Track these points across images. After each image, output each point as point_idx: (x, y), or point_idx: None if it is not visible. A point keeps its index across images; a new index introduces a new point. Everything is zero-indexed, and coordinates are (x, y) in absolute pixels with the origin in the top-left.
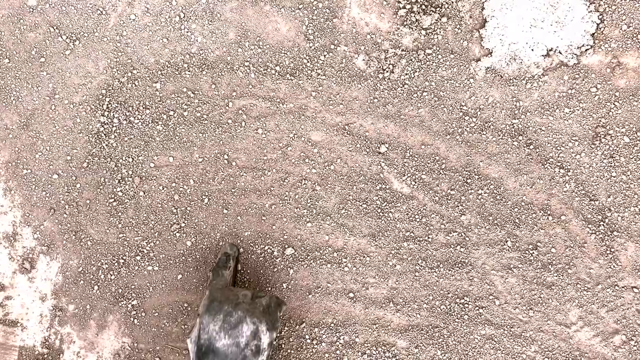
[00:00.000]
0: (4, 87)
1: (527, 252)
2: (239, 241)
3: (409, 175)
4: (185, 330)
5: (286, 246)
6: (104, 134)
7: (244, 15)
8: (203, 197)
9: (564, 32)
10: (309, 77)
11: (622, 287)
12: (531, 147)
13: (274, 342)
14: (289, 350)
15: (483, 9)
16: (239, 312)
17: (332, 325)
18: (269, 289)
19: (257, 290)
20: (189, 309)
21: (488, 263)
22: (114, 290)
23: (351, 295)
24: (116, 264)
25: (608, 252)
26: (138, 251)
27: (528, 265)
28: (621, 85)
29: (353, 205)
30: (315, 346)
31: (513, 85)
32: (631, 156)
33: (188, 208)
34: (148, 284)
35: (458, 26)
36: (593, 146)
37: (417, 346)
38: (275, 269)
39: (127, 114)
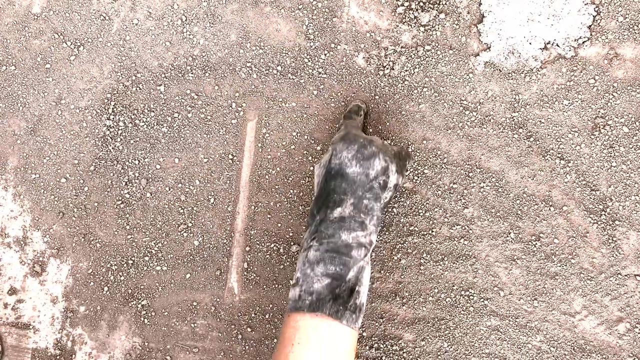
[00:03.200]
0: (10, 94)
1: (530, 243)
2: (245, 239)
3: (411, 170)
4: (194, 329)
5: (292, 243)
6: (110, 138)
7: (245, 17)
8: (209, 197)
9: (561, 25)
10: (311, 76)
11: (625, 276)
12: (531, 139)
13: (399, 187)
14: None
15: (480, 4)
16: (373, 147)
17: None
18: (277, 285)
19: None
20: (198, 307)
21: (492, 255)
22: (124, 291)
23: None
24: (125, 265)
25: (610, 241)
26: (146, 252)
27: (531, 256)
28: (619, 76)
29: None
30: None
31: (512, 78)
32: (631, 146)
33: (195, 208)
34: (157, 284)
35: (456, 22)
36: (593, 137)
37: (424, 339)
38: (282, 266)
39: (133, 117)
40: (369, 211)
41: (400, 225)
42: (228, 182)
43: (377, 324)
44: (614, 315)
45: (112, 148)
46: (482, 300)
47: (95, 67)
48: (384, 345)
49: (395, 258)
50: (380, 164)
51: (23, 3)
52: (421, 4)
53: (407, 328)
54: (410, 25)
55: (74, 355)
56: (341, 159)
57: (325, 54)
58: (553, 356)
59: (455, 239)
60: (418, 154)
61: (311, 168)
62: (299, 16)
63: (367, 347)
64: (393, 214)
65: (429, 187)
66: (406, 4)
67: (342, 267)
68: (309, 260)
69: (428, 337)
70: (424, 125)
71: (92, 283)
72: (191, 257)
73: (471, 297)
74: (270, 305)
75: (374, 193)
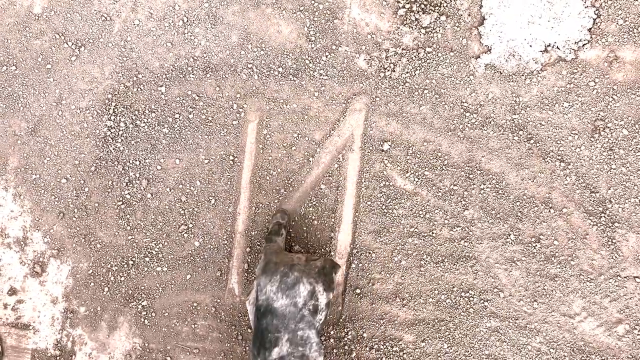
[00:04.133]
0: (11, 94)
1: (530, 245)
2: (246, 240)
3: (412, 172)
4: (195, 330)
5: (292, 244)
6: (111, 138)
7: (246, 18)
8: (210, 198)
9: (561, 27)
10: (312, 78)
11: (625, 277)
12: (532, 141)
13: (331, 304)
14: None
15: (481, 6)
16: (295, 272)
17: (340, 321)
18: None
19: (309, 254)
20: (199, 308)
21: (492, 256)
22: (124, 292)
23: (357, 291)
24: (126, 266)
25: (610, 243)
26: (147, 252)
27: (531, 257)
28: (619, 79)
29: (357, 202)
30: (323, 342)
31: (512, 81)
32: (630, 148)
33: (195, 209)
34: (157, 285)
35: (457, 24)
36: (592, 139)
37: (424, 340)
38: None
39: (134, 117)
40: (305, 342)
41: (401, 226)
42: (229, 183)
43: (377, 325)
44: (614, 317)
45: (113, 149)
46: (482, 301)
47: (97, 68)
48: (384, 347)
49: (396, 259)
50: (306, 289)
51: (24, 3)
52: (422, 6)
53: (407, 329)
54: (412, 28)
55: (74, 356)
56: (267, 293)
57: (326, 56)
58: (553, 357)
59: (456, 240)
60: (419, 156)
61: (311, 168)
62: (301, 18)
63: (368, 349)
64: (394, 215)
65: (429, 188)
66: (407, 6)
67: None
68: None
69: (428, 338)
70: (424, 127)
71: (92, 284)
72: (192, 258)
73: (471, 299)
74: None
75: (307, 321)
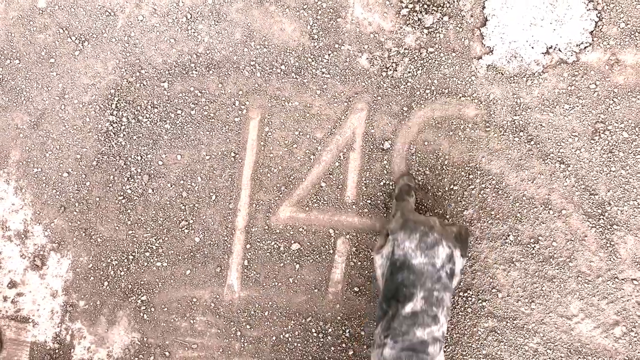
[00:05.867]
0: (14, 87)
1: (528, 245)
2: (246, 237)
3: (412, 171)
4: (193, 325)
5: (292, 242)
6: (113, 133)
7: (250, 15)
8: (211, 194)
9: (563, 30)
10: (314, 76)
11: (622, 280)
12: (532, 143)
13: (462, 272)
14: (294, 344)
15: (484, 7)
16: (435, 234)
17: (338, 318)
18: (276, 283)
19: (441, 218)
20: (198, 304)
21: (490, 257)
22: (124, 286)
23: (356, 289)
24: (126, 261)
25: (608, 245)
26: (147, 247)
27: (530, 258)
28: (620, 82)
29: (358, 201)
30: (322, 339)
31: (514, 82)
32: (630, 151)
33: (196, 205)
34: (157, 280)
35: (459, 25)
36: (593, 142)
37: None
38: (282, 264)
39: (136, 113)
40: (440, 303)
41: None
42: (230, 179)
43: (375, 323)
44: (611, 319)
45: (115, 143)
46: (480, 301)
47: (100, 63)
48: None
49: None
50: (444, 252)
51: None
52: (425, 6)
53: None
54: (414, 28)
55: (72, 350)
56: (405, 249)
57: (329, 54)
58: (549, 358)
59: None
60: (419, 155)
61: (312, 166)
62: (304, 16)
63: (365, 347)
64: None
65: (429, 188)
66: (410, 6)
67: None
68: (384, 359)
69: None
70: (425, 127)
71: (92, 278)
72: (192, 253)
73: (469, 298)
74: (270, 303)
75: (443, 283)
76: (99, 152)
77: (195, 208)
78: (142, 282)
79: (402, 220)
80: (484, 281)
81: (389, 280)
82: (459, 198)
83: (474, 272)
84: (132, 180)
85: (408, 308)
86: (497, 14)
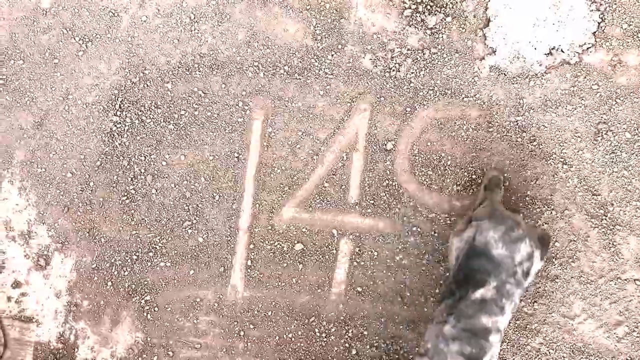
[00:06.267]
0: (18, 88)
1: None
2: (250, 237)
3: (415, 171)
4: (197, 325)
5: (295, 242)
6: (117, 134)
7: (253, 16)
8: (214, 194)
9: (566, 30)
10: (317, 77)
11: (625, 280)
12: (534, 143)
13: (537, 274)
14: (298, 343)
15: (487, 8)
16: (521, 230)
17: (341, 318)
18: (280, 283)
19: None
20: (201, 304)
21: None
22: (127, 286)
23: (359, 289)
24: (129, 261)
25: (610, 245)
26: (151, 248)
27: None
28: (622, 83)
29: (361, 201)
30: (325, 339)
31: (516, 83)
32: (632, 152)
33: (200, 205)
34: (160, 280)
35: (462, 26)
36: (595, 142)
37: None
38: (285, 264)
39: (139, 113)
40: (510, 296)
41: (403, 225)
42: (233, 180)
43: (378, 323)
44: (613, 319)
45: (119, 144)
46: None
47: (103, 63)
48: (385, 344)
49: (397, 258)
50: (526, 249)
51: None
52: (428, 7)
53: (408, 327)
54: (417, 28)
55: (76, 349)
56: (487, 238)
57: (332, 55)
58: (552, 358)
59: None
60: (422, 155)
61: (315, 167)
62: (307, 17)
63: (368, 346)
64: (396, 214)
65: (432, 188)
66: (413, 6)
67: (479, 350)
68: (443, 335)
69: None
70: (428, 128)
71: (95, 278)
72: (195, 253)
73: None
74: (273, 304)
75: (517, 279)
76: (103, 152)
77: (199, 208)
78: (145, 282)
79: (491, 209)
80: None
81: (463, 263)
82: (462, 198)
83: None
84: (136, 180)
85: (478, 294)
86: (500, 14)
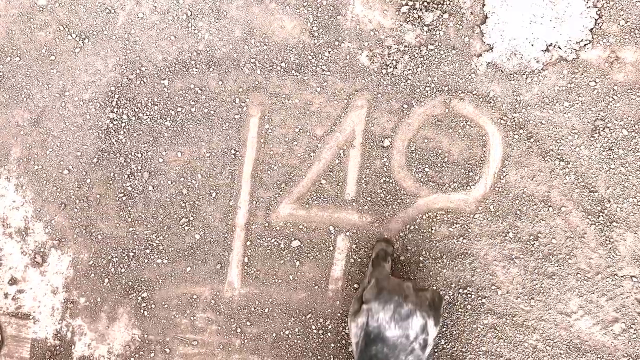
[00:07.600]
0: (15, 85)
1: (528, 243)
2: (246, 234)
3: (412, 168)
4: (194, 322)
5: (292, 239)
6: (113, 130)
7: (250, 13)
8: (211, 191)
9: (563, 27)
10: (314, 73)
11: (621, 277)
12: (532, 140)
13: (435, 339)
14: (295, 340)
15: (484, 5)
16: (409, 304)
17: (338, 315)
18: (277, 280)
19: (414, 281)
20: (198, 300)
21: (490, 254)
22: (124, 283)
23: (356, 286)
24: (126, 257)
25: (607, 242)
26: (147, 244)
27: (529, 255)
28: (619, 80)
29: (358, 198)
30: (321, 336)
31: (514, 79)
32: (629, 148)
33: (196, 202)
34: (157, 277)
35: (459, 22)
36: (592, 139)
37: None
38: (282, 261)
39: (136, 110)
40: None
41: (400, 223)
42: (230, 176)
43: None
44: (610, 316)
45: (115, 141)
46: (479, 298)
47: (100, 60)
48: None
49: (394, 255)
50: (418, 323)
51: None
52: (425, 3)
53: None
54: (414, 25)
55: (73, 346)
56: (379, 321)
57: (329, 52)
58: (549, 355)
59: (454, 237)
60: (419, 152)
61: (312, 164)
62: (304, 13)
63: None
64: (393, 212)
65: (429, 185)
66: (410, 3)
67: None
68: None
69: None
70: (425, 125)
71: (92, 275)
72: (192, 250)
73: (469, 295)
74: (270, 300)
75: (415, 355)
76: (99, 149)
77: (196, 205)
78: (142, 279)
79: (377, 289)
80: (483, 278)
81: (363, 351)
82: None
83: (474, 269)
84: (133, 177)
85: None
86: (497, 11)
